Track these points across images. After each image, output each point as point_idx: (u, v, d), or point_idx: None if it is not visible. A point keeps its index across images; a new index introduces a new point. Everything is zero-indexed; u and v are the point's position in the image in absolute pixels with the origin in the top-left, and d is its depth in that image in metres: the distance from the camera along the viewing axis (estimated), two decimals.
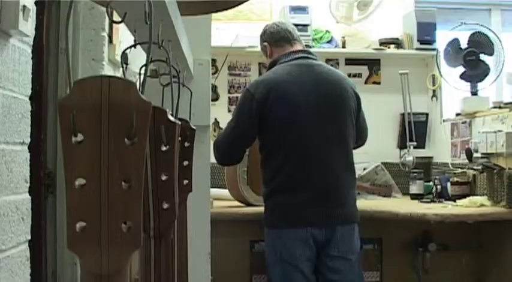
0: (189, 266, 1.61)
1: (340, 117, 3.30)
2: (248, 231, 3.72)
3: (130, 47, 1.12)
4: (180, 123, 1.17)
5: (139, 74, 1.30)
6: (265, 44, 3.50)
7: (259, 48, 4.62)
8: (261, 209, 3.69)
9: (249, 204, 3.78)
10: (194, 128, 1.53)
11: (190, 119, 1.66)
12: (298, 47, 3.47)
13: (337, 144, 3.26)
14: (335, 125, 3.27)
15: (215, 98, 4.73)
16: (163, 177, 1.10)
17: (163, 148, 1.09)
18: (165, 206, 1.12)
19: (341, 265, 3.24)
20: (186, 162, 1.48)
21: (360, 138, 3.48)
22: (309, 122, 3.21)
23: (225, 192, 3.93)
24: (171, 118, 1.10)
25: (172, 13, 1.17)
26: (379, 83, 5.02)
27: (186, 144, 1.48)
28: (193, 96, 1.78)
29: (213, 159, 2.27)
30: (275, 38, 3.47)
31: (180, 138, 1.28)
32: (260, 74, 4.82)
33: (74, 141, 0.74)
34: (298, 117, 3.19)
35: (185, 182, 1.49)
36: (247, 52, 4.69)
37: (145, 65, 0.86)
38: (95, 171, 0.75)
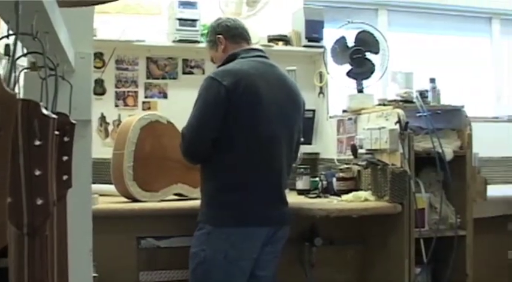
0: (70, 262, 1.58)
1: (294, 122, 3.38)
2: (135, 228, 3.67)
3: (1, 38, 1.09)
4: (56, 117, 1.14)
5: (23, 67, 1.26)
6: (220, 36, 3.44)
7: (147, 42, 4.63)
8: (148, 205, 3.67)
9: (135, 200, 3.73)
10: (74, 122, 1.50)
11: (70, 113, 1.63)
12: (253, 46, 3.51)
13: (287, 147, 3.32)
14: (289, 127, 3.33)
15: (102, 92, 4.65)
16: (37, 173, 1.07)
17: (37, 142, 1.05)
18: (39, 202, 1.09)
19: (270, 262, 3.32)
20: (65, 158, 1.45)
21: (296, 152, 3.55)
22: (271, 120, 3.21)
23: (111, 187, 3.87)
24: (45, 111, 1.06)
25: (47, 4, 1.14)
26: None
27: (66, 138, 1.45)
28: (74, 90, 1.75)
29: (95, 154, 2.22)
30: (232, 33, 3.45)
31: (58, 133, 1.25)
32: (148, 68, 4.77)
33: None
34: (263, 113, 3.18)
35: (65, 177, 1.46)
36: (135, 46, 4.63)
37: (12, 57, 0.83)
38: None
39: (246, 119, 3.14)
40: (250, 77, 3.18)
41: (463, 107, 4.01)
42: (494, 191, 4.46)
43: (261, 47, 3.85)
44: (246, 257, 3.17)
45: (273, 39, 4.96)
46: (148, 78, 4.80)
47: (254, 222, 3.16)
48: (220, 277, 3.14)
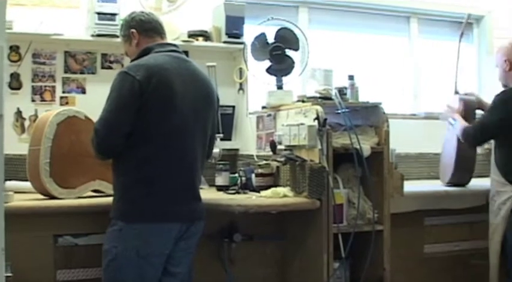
0: None
1: (207, 117, 3.37)
2: (51, 225, 3.60)
3: None
4: None
5: None
6: (133, 30, 3.40)
7: (65, 36, 4.55)
8: (65, 202, 3.61)
9: (52, 197, 3.66)
10: None
11: None
12: (167, 41, 3.48)
13: (201, 142, 3.32)
14: (202, 122, 3.33)
15: (18, 86, 4.54)
16: None
17: None
18: None
19: (184, 258, 3.30)
20: None
21: (210, 147, 3.54)
22: (184, 115, 3.20)
23: (27, 184, 3.79)
24: None
25: None
26: None
27: None
28: None
29: (7, 150, 2.15)
30: (146, 27, 3.41)
31: None
32: (66, 62, 4.69)
33: None
34: (176, 108, 3.17)
35: None
36: (52, 39, 4.53)
37: None
38: None
39: (159, 113, 3.13)
40: (164, 72, 3.17)
41: (380, 103, 4.06)
42: (411, 186, 4.55)
43: (175, 42, 3.84)
44: (157, 253, 3.16)
45: (193, 35, 4.94)
46: (66, 72, 4.71)
47: (164, 217, 3.15)
48: (132, 274, 3.12)
